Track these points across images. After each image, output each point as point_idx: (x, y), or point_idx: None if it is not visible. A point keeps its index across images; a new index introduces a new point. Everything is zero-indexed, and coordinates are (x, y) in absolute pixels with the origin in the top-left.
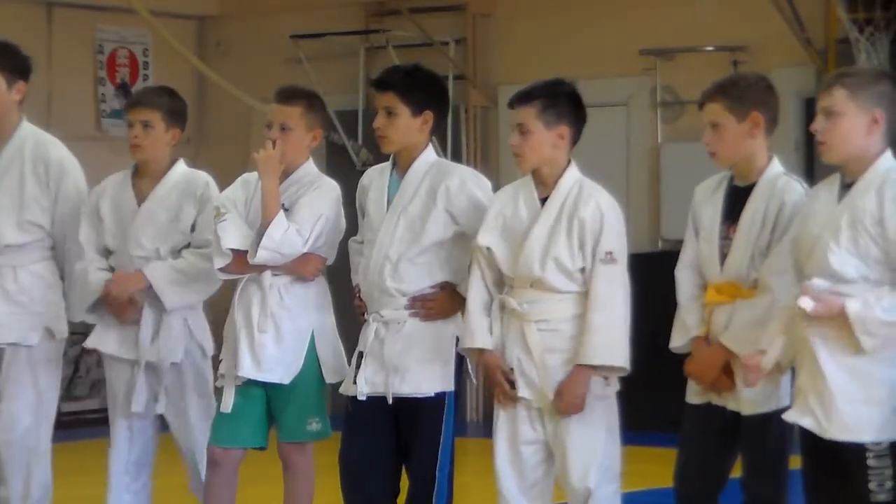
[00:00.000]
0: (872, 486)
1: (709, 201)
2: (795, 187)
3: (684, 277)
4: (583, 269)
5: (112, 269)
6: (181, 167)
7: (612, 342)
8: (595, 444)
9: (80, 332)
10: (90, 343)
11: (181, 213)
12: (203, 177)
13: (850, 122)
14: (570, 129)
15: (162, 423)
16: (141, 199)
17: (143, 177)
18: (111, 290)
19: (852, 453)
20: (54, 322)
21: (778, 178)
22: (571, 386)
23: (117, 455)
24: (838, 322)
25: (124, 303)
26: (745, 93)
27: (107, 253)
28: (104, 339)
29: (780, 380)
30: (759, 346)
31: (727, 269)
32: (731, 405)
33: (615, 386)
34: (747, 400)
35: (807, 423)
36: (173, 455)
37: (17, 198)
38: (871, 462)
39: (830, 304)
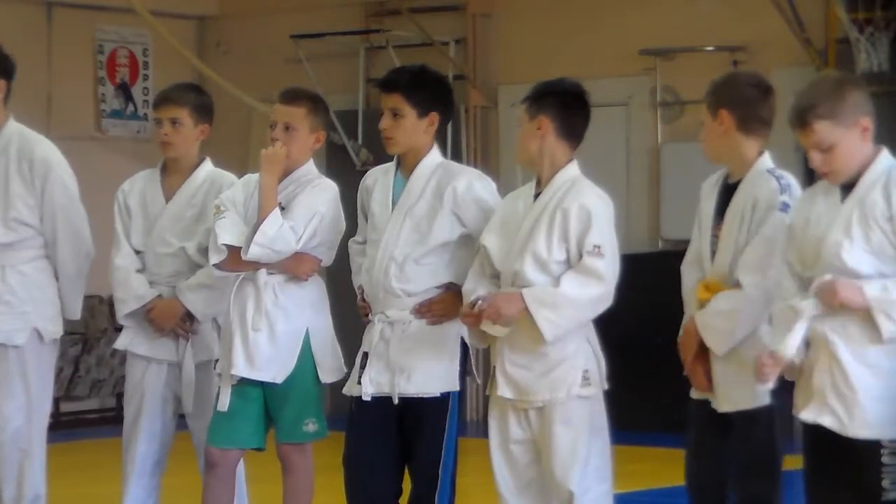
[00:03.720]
0: (886, 483)
1: (708, 197)
2: (769, 183)
3: (687, 273)
4: (563, 262)
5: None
6: (208, 166)
7: (558, 312)
8: (576, 445)
9: (79, 332)
10: (119, 344)
11: (207, 212)
12: (229, 177)
13: (846, 146)
14: (551, 121)
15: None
16: (169, 196)
17: (172, 174)
18: (153, 320)
19: (866, 451)
20: (44, 323)
21: (760, 174)
22: (502, 298)
23: (140, 454)
24: (860, 316)
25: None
26: (716, 91)
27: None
28: (135, 341)
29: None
30: (722, 335)
31: (716, 266)
32: (713, 401)
33: (600, 385)
34: (723, 397)
35: (826, 421)
36: (176, 455)
37: (2, 196)
38: (885, 459)
39: (853, 289)
